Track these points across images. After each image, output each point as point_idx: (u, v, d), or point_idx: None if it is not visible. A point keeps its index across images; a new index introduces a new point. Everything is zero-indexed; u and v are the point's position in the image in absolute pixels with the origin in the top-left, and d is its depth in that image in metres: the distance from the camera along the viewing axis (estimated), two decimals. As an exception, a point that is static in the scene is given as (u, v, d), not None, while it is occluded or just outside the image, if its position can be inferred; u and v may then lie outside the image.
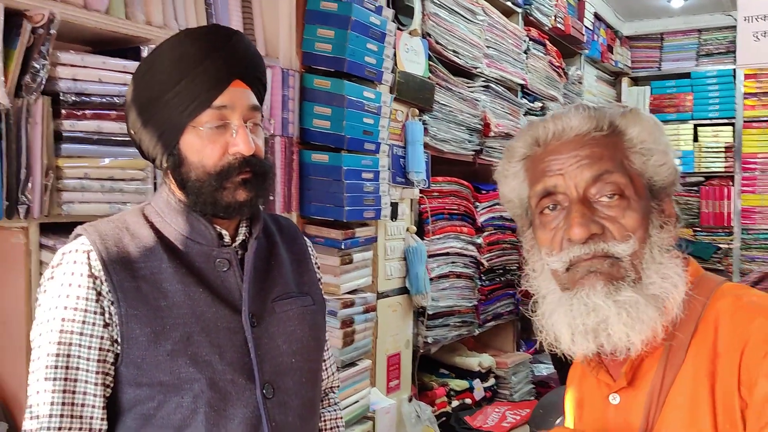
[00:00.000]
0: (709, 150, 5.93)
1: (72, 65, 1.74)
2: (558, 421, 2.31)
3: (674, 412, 0.96)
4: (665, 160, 1.03)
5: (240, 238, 1.25)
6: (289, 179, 2.46)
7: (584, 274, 0.99)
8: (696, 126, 6.02)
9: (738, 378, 0.91)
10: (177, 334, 1.12)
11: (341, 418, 1.49)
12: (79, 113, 1.75)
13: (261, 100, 1.26)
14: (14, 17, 1.61)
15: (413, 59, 3.04)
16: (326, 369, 1.45)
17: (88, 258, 1.12)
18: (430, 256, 3.26)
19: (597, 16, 5.57)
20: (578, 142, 1.02)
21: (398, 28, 2.92)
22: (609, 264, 0.98)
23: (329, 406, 1.49)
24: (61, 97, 1.71)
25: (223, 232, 1.22)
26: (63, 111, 1.72)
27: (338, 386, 1.52)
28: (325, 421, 1.46)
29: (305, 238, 1.43)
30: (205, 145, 1.15)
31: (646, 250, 0.99)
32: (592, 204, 1.00)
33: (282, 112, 2.43)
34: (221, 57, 1.16)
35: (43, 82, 1.65)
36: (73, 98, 1.74)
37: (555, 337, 1.03)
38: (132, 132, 1.22)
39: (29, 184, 1.64)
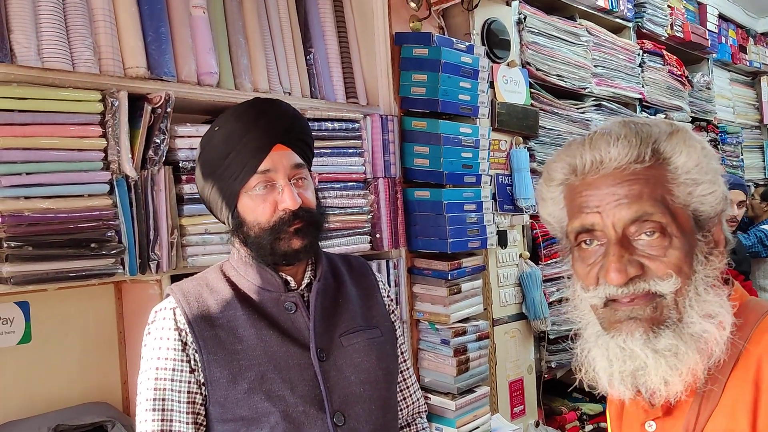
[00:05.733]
0: None
1: (188, 136, 2.00)
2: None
3: None
4: (713, 189, 0.96)
5: (305, 281, 1.40)
6: (395, 217, 2.61)
7: (624, 318, 0.95)
8: None
9: None
10: (252, 374, 1.27)
11: (430, 442, 1.58)
12: (196, 177, 2.01)
13: (306, 156, 1.40)
14: (137, 101, 1.89)
15: (513, 89, 3.11)
16: (410, 396, 1.56)
17: (174, 314, 1.31)
18: (547, 280, 3.27)
19: (723, 18, 5.33)
20: (617, 177, 0.95)
21: (494, 62, 3.02)
22: (651, 309, 0.94)
23: (417, 431, 1.58)
24: (181, 165, 1.97)
25: (288, 278, 1.37)
26: (183, 177, 1.98)
27: (425, 411, 1.61)
28: None
29: (375, 274, 1.55)
30: (257, 205, 1.31)
31: (691, 287, 0.94)
32: (631, 242, 0.95)
33: (383, 154, 2.60)
34: (260, 127, 1.31)
35: (164, 153, 1.92)
36: (192, 165, 1.99)
37: (593, 377, 1.00)
38: (203, 200, 1.41)
39: (158, 243, 1.91)
